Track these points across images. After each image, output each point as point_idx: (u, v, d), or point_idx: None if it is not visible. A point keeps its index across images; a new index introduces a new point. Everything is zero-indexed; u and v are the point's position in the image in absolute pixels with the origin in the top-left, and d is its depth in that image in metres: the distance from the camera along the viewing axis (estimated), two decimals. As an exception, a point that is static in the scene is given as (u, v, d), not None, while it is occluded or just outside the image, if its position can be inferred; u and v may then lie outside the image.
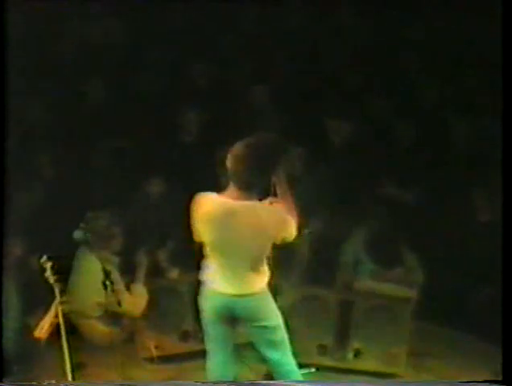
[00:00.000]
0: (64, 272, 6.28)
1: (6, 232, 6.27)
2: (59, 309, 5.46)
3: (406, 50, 8.43)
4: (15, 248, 6.45)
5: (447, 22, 8.17)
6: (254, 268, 4.83)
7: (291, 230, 4.79)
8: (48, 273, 5.46)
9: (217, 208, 4.74)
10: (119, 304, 5.92)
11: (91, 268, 6.05)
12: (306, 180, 7.15)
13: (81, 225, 5.77)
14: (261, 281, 4.90)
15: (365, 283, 6.70)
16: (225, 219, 4.73)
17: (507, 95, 5.41)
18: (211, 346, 5.05)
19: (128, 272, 6.37)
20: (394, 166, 7.41)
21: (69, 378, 5.37)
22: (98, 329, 6.27)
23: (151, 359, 6.28)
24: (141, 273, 6.35)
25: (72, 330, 6.31)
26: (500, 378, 5.20)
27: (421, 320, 6.49)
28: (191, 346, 6.40)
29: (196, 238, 4.90)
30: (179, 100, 7.74)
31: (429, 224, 6.98)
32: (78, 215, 6.17)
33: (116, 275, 6.08)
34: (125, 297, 6.13)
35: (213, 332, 5.00)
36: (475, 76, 7.69)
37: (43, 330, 5.51)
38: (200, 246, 4.94)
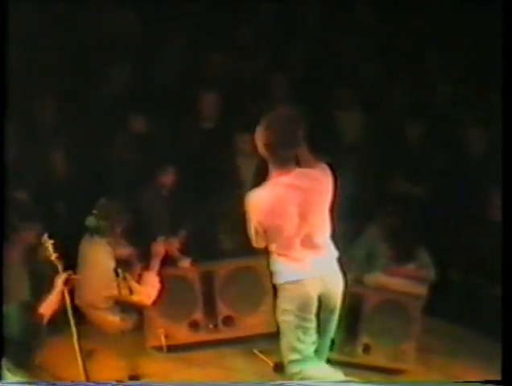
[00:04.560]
0: (65, 249, 6.32)
1: (16, 220, 6.29)
2: (65, 287, 5.46)
3: (421, 47, 8.41)
4: (27, 236, 6.46)
5: (461, 20, 8.17)
6: (328, 239, 4.87)
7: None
8: (50, 251, 5.49)
9: (280, 198, 4.71)
10: (131, 292, 5.94)
11: (102, 256, 6.05)
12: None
13: (94, 212, 5.78)
14: (333, 254, 4.95)
15: (377, 278, 6.70)
16: (291, 205, 4.71)
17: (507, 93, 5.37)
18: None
19: (139, 261, 6.38)
20: (408, 162, 7.40)
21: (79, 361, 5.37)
22: (107, 319, 6.25)
23: (160, 348, 6.29)
24: (156, 263, 6.34)
25: (81, 318, 6.35)
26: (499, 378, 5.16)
27: (431, 316, 6.47)
28: (200, 335, 6.41)
29: (261, 243, 4.85)
30: (197, 89, 7.74)
31: (442, 221, 6.96)
32: (91, 203, 6.18)
33: (127, 263, 6.10)
34: (136, 286, 6.13)
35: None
36: (489, 74, 7.66)
37: (48, 307, 5.50)
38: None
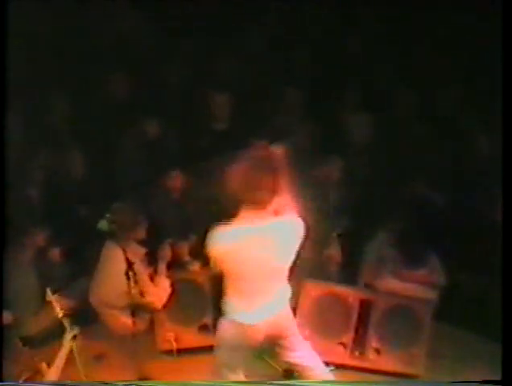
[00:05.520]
0: (75, 251, 6.33)
1: (27, 223, 6.30)
2: (74, 343, 5.51)
3: (430, 49, 8.42)
4: (37, 239, 6.48)
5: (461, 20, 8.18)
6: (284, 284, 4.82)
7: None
8: (56, 309, 5.53)
9: (240, 245, 4.58)
10: (142, 295, 5.95)
11: (114, 259, 6.05)
12: (332, 180, 7.18)
13: (107, 216, 5.78)
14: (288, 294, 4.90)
15: (387, 283, 6.68)
16: (250, 251, 4.59)
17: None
18: None
19: (152, 264, 6.39)
20: (419, 166, 7.39)
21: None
22: (120, 320, 6.27)
23: (170, 352, 6.30)
24: (163, 266, 6.35)
25: (94, 319, 6.37)
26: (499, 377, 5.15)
27: (441, 321, 6.46)
28: (210, 339, 6.40)
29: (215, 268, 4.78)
30: (206, 94, 7.76)
31: (452, 225, 6.95)
32: (101, 206, 6.18)
33: (139, 266, 6.10)
34: (148, 289, 6.14)
35: None
36: (496, 77, 7.67)
37: (58, 369, 5.55)
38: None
